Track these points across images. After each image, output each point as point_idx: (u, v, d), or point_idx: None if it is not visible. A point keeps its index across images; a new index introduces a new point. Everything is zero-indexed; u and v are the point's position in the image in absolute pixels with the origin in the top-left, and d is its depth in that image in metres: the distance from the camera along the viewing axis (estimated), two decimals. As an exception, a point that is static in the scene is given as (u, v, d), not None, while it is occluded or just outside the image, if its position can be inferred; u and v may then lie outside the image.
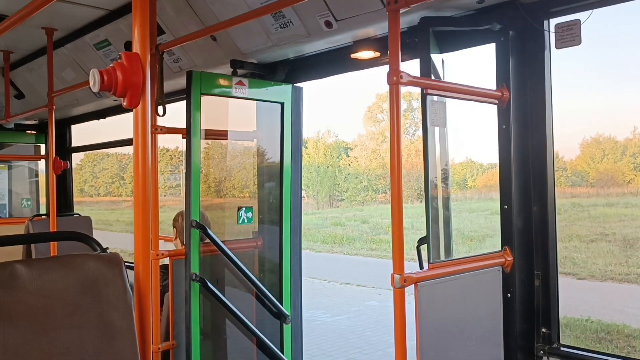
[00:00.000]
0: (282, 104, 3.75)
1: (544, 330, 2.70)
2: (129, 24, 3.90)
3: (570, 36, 2.51)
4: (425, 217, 2.55)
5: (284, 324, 3.69)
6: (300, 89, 3.86)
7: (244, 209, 3.77)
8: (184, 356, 3.43)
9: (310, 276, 13.14)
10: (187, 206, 3.34)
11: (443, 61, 2.92)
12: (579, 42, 2.50)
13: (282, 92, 3.75)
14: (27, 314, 1.43)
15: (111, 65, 1.56)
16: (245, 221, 3.78)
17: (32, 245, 4.99)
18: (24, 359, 1.40)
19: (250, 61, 3.70)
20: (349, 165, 35.54)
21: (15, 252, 4.98)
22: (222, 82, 3.49)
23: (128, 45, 4.17)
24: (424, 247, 2.63)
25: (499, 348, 2.64)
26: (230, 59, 3.65)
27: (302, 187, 4.10)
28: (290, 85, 3.78)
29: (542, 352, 2.69)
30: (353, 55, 3.38)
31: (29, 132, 6.96)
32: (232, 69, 3.64)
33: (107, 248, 1.70)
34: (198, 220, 3.32)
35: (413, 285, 2.21)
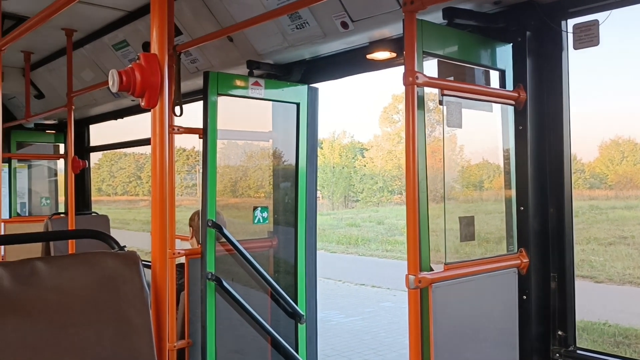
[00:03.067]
0: (298, 105, 3.76)
1: (560, 333, 2.67)
2: (147, 25, 3.95)
3: (588, 37, 2.49)
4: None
5: (299, 324, 3.70)
6: (315, 89, 3.87)
7: (259, 208, 3.79)
8: (199, 354, 3.45)
9: (325, 277, 13.14)
10: (203, 206, 3.37)
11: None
12: (597, 43, 2.47)
13: (298, 92, 3.77)
14: (46, 310, 1.45)
15: (130, 65, 1.57)
16: (261, 221, 3.80)
17: (51, 243, 5.05)
18: (42, 354, 1.42)
19: (266, 62, 3.71)
20: (365, 166, 35.46)
21: (34, 250, 5.05)
22: (238, 82, 3.51)
23: (146, 46, 4.22)
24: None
25: (514, 350, 2.62)
26: (247, 60, 3.67)
27: (317, 188, 4.11)
28: (305, 86, 3.79)
29: (557, 354, 2.67)
30: (369, 56, 3.38)
31: (49, 131, 7.06)
32: (248, 70, 3.66)
33: (124, 246, 1.72)
34: (214, 220, 3.34)
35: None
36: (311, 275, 3.85)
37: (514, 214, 2.79)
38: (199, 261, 3.46)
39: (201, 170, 3.42)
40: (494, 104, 2.77)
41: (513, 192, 2.75)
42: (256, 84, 3.55)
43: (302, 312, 3.71)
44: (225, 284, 3.37)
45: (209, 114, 3.35)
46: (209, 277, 3.33)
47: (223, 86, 3.41)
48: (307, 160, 3.82)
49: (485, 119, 2.86)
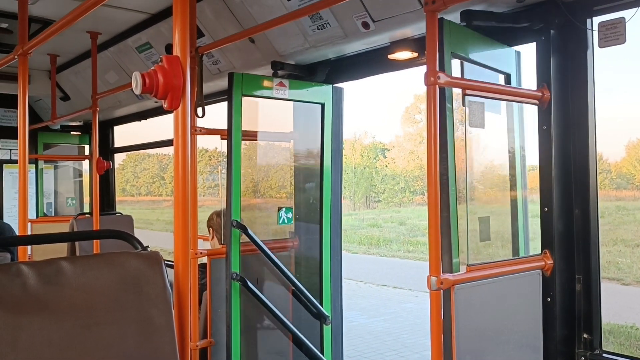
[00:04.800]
0: (323, 105, 3.73)
1: (585, 336, 2.63)
2: (170, 27, 3.98)
3: (614, 35, 2.44)
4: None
5: (324, 325, 3.69)
6: (340, 89, 3.85)
7: (284, 209, 3.80)
8: (222, 354, 3.47)
9: (346, 277, 13.12)
10: (228, 206, 3.39)
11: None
12: (623, 41, 2.43)
13: (322, 92, 3.75)
14: (71, 310, 1.48)
15: (152, 68, 1.59)
16: (286, 221, 3.80)
17: (76, 243, 5.13)
18: (67, 353, 1.44)
19: (289, 62, 3.72)
20: (386, 166, 35.36)
21: (60, 249, 5.14)
22: (262, 83, 3.51)
23: (169, 48, 4.26)
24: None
25: (538, 353, 2.59)
26: (271, 61, 3.69)
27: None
28: (330, 86, 3.78)
29: (583, 358, 2.63)
30: (390, 56, 3.36)
31: (74, 133, 7.18)
32: (272, 70, 3.67)
33: (147, 246, 1.73)
34: (239, 220, 3.37)
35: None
36: (336, 276, 3.84)
37: (520, 216, 2.78)
38: (221, 261, 3.48)
39: (225, 171, 3.43)
40: (502, 106, 2.75)
41: (519, 194, 2.73)
42: (280, 84, 3.55)
43: (327, 313, 3.70)
44: (249, 284, 3.39)
45: (233, 114, 3.36)
46: (234, 277, 3.35)
47: (247, 87, 3.42)
48: (332, 161, 3.80)
49: (501, 119, 2.84)
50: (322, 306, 3.70)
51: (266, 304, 3.45)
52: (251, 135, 3.75)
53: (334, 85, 3.80)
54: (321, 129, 3.76)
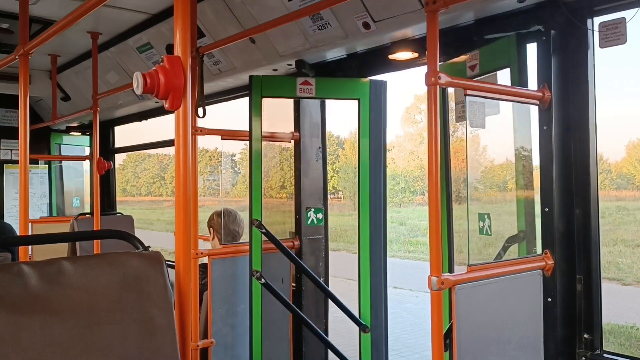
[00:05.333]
0: (359, 100, 3.60)
1: (586, 336, 2.63)
2: (171, 28, 3.99)
3: (615, 35, 2.44)
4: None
5: (362, 333, 3.60)
6: (381, 83, 3.58)
7: (312, 209, 3.78)
8: (223, 354, 3.48)
9: (347, 277, 13.13)
10: (250, 206, 3.45)
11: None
12: (624, 41, 2.43)
13: (358, 87, 3.59)
14: (72, 309, 1.48)
15: (153, 68, 1.59)
16: (315, 222, 3.77)
17: (77, 243, 5.14)
18: (69, 352, 1.45)
19: (313, 61, 3.72)
20: (386, 166, 35.37)
21: (61, 249, 5.14)
22: (284, 83, 3.55)
23: (169, 48, 4.27)
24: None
25: (539, 353, 2.59)
26: (296, 60, 3.70)
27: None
28: (367, 80, 3.59)
29: (583, 358, 2.63)
30: (391, 56, 3.37)
31: (73, 133, 7.21)
32: (296, 70, 3.72)
33: (149, 247, 1.74)
34: (260, 220, 3.42)
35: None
36: (377, 282, 3.64)
37: (519, 214, 2.77)
38: (222, 261, 3.48)
39: (225, 172, 3.45)
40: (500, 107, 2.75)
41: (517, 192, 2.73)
42: (306, 83, 3.51)
43: (361, 320, 3.61)
44: (268, 282, 3.44)
45: (253, 116, 3.43)
46: (255, 275, 3.40)
47: (267, 89, 3.48)
48: (371, 159, 3.63)
49: (504, 119, 2.84)
50: (360, 313, 3.59)
51: (285, 301, 3.50)
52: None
53: (372, 78, 3.59)
54: (358, 127, 3.63)
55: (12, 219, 6.56)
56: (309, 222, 3.78)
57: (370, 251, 3.62)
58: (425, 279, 2.12)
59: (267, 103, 3.53)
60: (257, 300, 3.43)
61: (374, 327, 3.61)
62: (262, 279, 3.38)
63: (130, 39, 4.61)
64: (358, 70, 3.65)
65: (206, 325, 3.56)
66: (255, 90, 3.42)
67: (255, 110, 3.43)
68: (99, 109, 4.73)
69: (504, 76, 2.77)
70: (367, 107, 3.60)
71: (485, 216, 2.74)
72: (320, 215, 3.80)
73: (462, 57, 2.94)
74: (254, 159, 3.45)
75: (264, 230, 3.44)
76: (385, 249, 3.70)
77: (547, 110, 2.61)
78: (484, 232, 2.72)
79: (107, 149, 6.83)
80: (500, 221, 2.85)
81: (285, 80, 3.56)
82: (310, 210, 3.77)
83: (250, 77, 3.44)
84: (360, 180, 3.65)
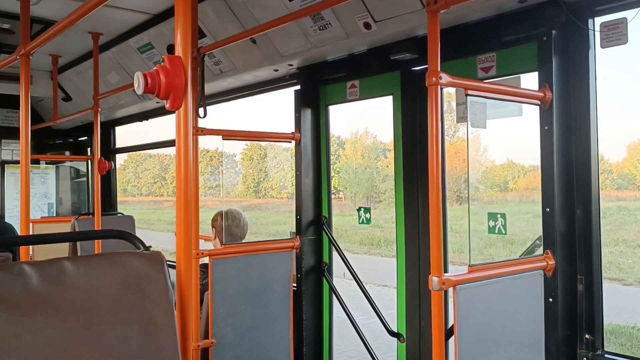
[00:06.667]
0: (392, 95, 3.54)
1: (587, 336, 2.63)
2: (172, 28, 3.99)
3: (616, 35, 2.44)
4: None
5: (399, 343, 3.55)
6: (414, 73, 3.39)
7: (362, 209, 3.86)
8: (223, 354, 3.48)
9: (348, 277, 13.12)
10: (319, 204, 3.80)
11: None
12: (625, 41, 2.43)
13: (390, 82, 3.51)
14: (73, 309, 1.48)
15: (154, 68, 1.59)
16: (365, 221, 3.80)
17: (78, 243, 5.14)
18: (70, 352, 1.45)
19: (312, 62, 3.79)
20: (387, 166, 35.30)
21: (62, 250, 5.14)
22: (339, 89, 3.83)
23: (170, 49, 4.27)
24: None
25: (540, 353, 2.59)
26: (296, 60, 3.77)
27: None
28: (398, 73, 3.48)
29: (585, 358, 2.62)
30: (392, 57, 3.36)
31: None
32: (297, 71, 3.88)
33: (150, 246, 1.74)
34: (326, 216, 3.80)
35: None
36: (413, 289, 3.51)
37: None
38: (223, 261, 3.48)
39: (225, 172, 3.46)
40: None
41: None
42: (353, 86, 3.70)
43: (395, 329, 3.59)
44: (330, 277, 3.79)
45: (320, 124, 3.93)
46: (324, 267, 3.89)
47: (329, 97, 3.91)
48: (404, 156, 3.51)
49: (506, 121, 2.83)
50: (397, 321, 3.55)
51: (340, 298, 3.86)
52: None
53: (403, 70, 3.44)
54: (393, 121, 3.56)
55: (13, 219, 6.56)
56: (360, 221, 3.87)
57: (406, 256, 3.52)
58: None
59: (267, 103, 3.57)
60: (326, 292, 3.82)
61: (409, 337, 3.56)
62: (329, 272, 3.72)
63: (131, 39, 4.61)
64: (358, 70, 3.65)
65: (207, 325, 3.55)
66: (322, 100, 3.84)
67: (322, 118, 3.89)
68: (100, 109, 4.73)
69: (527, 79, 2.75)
70: (400, 101, 3.50)
71: (499, 215, 2.74)
72: (368, 215, 3.85)
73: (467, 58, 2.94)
74: (323, 163, 3.88)
75: (325, 229, 3.86)
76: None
77: (548, 111, 2.61)
78: (496, 232, 2.73)
79: (108, 149, 6.83)
80: (521, 221, 2.85)
81: (340, 87, 3.81)
82: (360, 209, 3.89)
83: (317, 88, 3.85)
84: (396, 181, 3.56)
